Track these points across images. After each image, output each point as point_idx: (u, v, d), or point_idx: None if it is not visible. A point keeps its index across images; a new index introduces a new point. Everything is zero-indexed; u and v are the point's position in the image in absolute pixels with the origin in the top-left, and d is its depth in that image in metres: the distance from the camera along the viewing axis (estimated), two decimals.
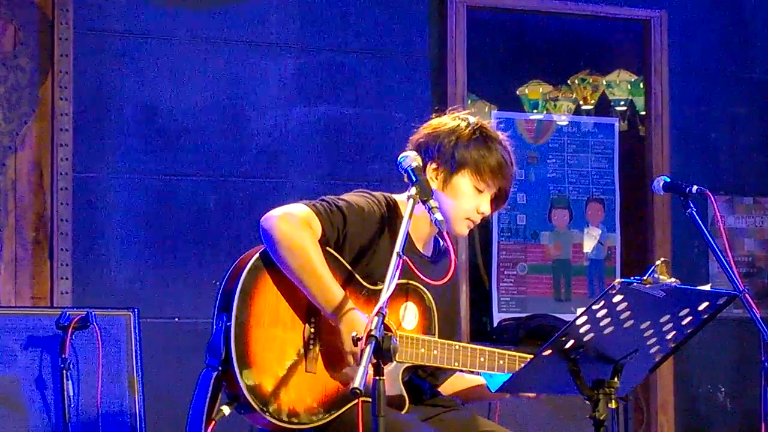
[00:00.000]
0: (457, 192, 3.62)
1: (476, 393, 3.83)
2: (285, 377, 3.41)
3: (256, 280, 3.45)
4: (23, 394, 4.59)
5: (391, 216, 3.62)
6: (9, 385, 4.58)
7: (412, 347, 3.54)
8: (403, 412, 3.53)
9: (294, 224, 3.44)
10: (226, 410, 3.43)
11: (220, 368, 3.40)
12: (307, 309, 3.48)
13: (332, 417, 3.46)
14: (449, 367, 3.62)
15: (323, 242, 3.49)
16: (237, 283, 3.43)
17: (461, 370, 3.74)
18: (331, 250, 3.52)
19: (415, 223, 3.58)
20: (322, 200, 3.55)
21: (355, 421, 3.15)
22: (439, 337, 3.63)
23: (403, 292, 3.51)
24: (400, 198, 3.66)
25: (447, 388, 3.82)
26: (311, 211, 3.49)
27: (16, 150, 5.45)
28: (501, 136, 3.72)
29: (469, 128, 3.67)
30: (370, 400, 3.02)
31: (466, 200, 3.63)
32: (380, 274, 3.54)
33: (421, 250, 3.70)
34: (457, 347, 3.58)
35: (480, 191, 3.64)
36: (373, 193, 3.67)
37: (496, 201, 3.69)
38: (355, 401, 3.37)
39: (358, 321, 3.41)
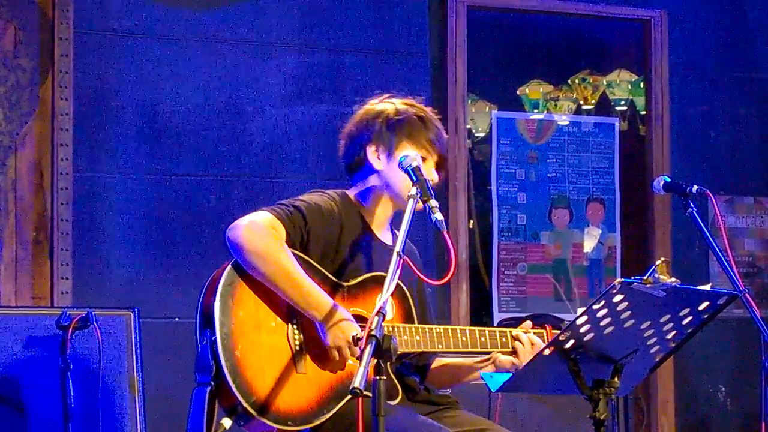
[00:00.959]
0: None
1: (460, 372, 3.85)
2: (278, 381, 3.43)
3: (232, 291, 3.47)
4: (23, 394, 4.59)
5: (347, 210, 3.68)
6: (9, 385, 4.58)
7: (401, 336, 3.58)
8: (395, 402, 3.55)
9: (260, 232, 3.48)
10: (227, 423, 3.44)
11: (212, 383, 3.41)
12: (286, 311, 3.51)
13: (330, 414, 3.47)
14: (433, 350, 3.67)
15: (289, 244, 3.53)
16: (214, 297, 3.45)
17: (446, 353, 3.78)
18: (298, 252, 3.55)
19: (373, 213, 3.71)
20: (279, 204, 3.60)
21: (351, 417, 3.16)
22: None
23: (378, 284, 3.48)
24: (351, 192, 3.75)
25: (434, 373, 3.85)
26: (273, 216, 3.53)
27: (17, 150, 5.45)
28: (428, 109, 3.81)
29: (396, 107, 3.77)
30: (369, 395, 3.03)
31: None
32: (350, 269, 3.62)
33: (384, 240, 3.75)
34: (438, 330, 3.64)
35: (423, 159, 3.68)
36: (326, 190, 3.73)
37: (438, 170, 3.75)
38: (350, 396, 3.40)
39: (341, 319, 3.45)
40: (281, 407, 3.42)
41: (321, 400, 3.48)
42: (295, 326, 3.50)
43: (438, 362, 3.85)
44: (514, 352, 3.71)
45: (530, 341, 3.70)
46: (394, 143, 3.69)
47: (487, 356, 3.77)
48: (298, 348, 3.48)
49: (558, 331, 3.69)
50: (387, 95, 3.86)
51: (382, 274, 3.53)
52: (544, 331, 3.75)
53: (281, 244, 3.49)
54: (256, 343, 3.44)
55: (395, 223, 3.79)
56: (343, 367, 3.51)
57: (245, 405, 3.38)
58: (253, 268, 3.47)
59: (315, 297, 3.47)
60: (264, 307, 3.49)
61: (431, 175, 3.69)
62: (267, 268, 3.46)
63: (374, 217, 3.73)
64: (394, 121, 3.72)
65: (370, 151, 3.72)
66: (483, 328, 3.72)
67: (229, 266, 3.50)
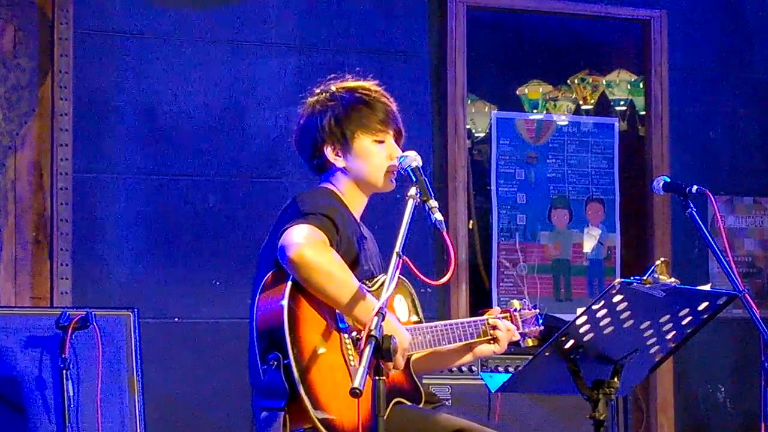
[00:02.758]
0: (364, 155, 3.67)
1: (436, 361, 3.85)
2: (342, 399, 3.37)
3: (297, 311, 3.42)
4: (23, 394, 4.59)
5: (341, 205, 3.67)
6: (9, 385, 4.58)
7: (417, 337, 3.60)
8: (420, 406, 3.56)
9: (321, 249, 3.42)
10: None
11: (286, 408, 3.35)
12: (336, 324, 3.48)
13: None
14: (439, 347, 3.70)
15: None
16: (282, 319, 3.38)
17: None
18: None
19: (354, 205, 3.70)
20: (308, 214, 3.52)
21: (397, 424, 3.15)
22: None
23: (396, 285, 3.39)
24: (332, 187, 3.72)
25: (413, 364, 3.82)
26: (319, 230, 3.47)
27: (16, 150, 5.45)
28: (365, 82, 3.78)
29: (334, 96, 3.72)
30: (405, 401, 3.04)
31: (375, 157, 3.68)
32: (359, 267, 3.60)
33: (363, 232, 3.75)
34: (441, 327, 3.69)
35: (381, 142, 3.69)
36: (317, 190, 3.71)
37: (398, 139, 3.73)
38: (392, 403, 3.42)
39: (400, 332, 3.44)
40: (347, 426, 3.38)
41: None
42: (346, 339, 3.48)
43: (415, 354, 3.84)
44: (494, 340, 3.76)
45: (506, 327, 3.78)
46: (348, 138, 3.67)
47: (461, 344, 3.79)
48: (352, 362, 3.46)
49: (518, 314, 3.85)
50: (326, 83, 3.80)
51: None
52: (507, 314, 3.85)
53: (340, 258, 3.45)
54: (320, 362, 3.40)
55: (395, 223, 3.80)
56: (388, 375, 3.46)
57: (321, 427, 3.34)
58: (316, 286, 3.41)
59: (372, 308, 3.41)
60: (322, 322, 3.45)
61: (394, 153, 3.67)
62: (332, 285, 3.40)
63: (355, 209, 3.72)
64: (340, 115, 3.68)
65: (329, 153, 3.69)
66: (469, 320, 3.79)
67: (289, 285, 3.42)
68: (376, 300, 3.43)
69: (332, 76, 3.83)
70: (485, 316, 3.80)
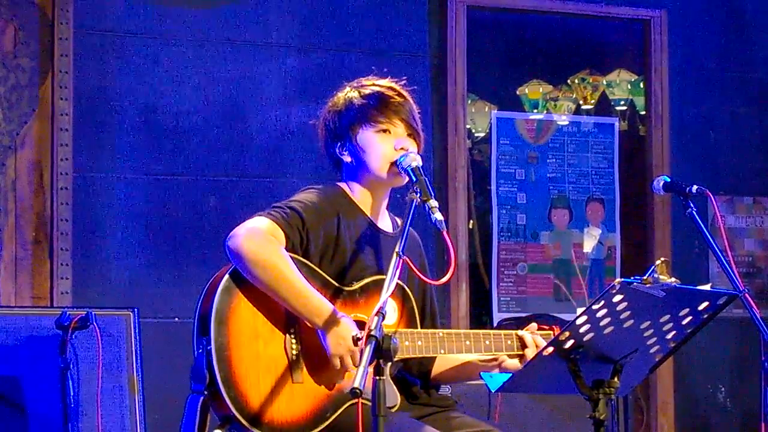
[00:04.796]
0: (367, 146, 3.63)
1: (463, 372, 3.80)
2: (273, 392, 3.40)
3: (229, 300, 3.44)
4: (23, 394, 4.59)
5: (342, 202, 3.65)
6: (9, 385, 4.58)
7: (403, 342, 3.52)
8: (394, 409, 3.51)
9: (260, 239, 3.44)
10: None
11: (206, 392, 3.38)
12: (284, 320, 3.47)
13: (326, 423, 3.45)
14: (435, 355, 3.63)
15: (289, 248, 3.49)
16: (211, 306, 3.41)
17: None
18: (299, 257, 3.52)
19: (366, 202, 3.67)
20: (275, 207, 3.56)
21: (350, 424, 3.15)
22: (422, 327, 3.65)
23: (380, 288, 3.32)
24: (343, 185, 3.71)
25: (435, 374, 3.80)
26: (271, 222, 3.49)
27: (16, 150, 5.45)
28: (377, 79, 3.75)
29: (343, 94, 3.73)
30: (368, 402, 3.02)
31: (379, 147, 3.63)
32: (354, 267, 3.58)
33: (384, 228, 3.72)
34: (440, 334, 3.59)
35: (385, 131, 3.64)
36: (320, 185, 3.70)
37: (413, 136, 3.67)
38: (347, 404, 3.41)
39: (344, 327, 3.42)
40: (276, 418, 3.39)
41: (317, 409, 3.45)
42: (292, 335, 3.47)
43: (440, 363, 3.80)
44: (521, 356, 3.64)
45: (534, 343, 3.64)
46: (349, 132, 3.66)
47: (492, 357, 3.71)
48: (295, 357, 3.45)
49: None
50: (348, 83, 3.79)
51: (385, 278, 3.51)
52: (551, 332, 3.68)
53: (281, 250, 3.45)
54: (251, 354, 3.41)
55: (397, 215, 3.79)
56: (343, 376, 3.47)
57: (239, 416, 3.35)
58: (253, 277, 3.43)
59: (316, 305, 3.43)
60: (261, 316, 3.45)
61: (401, 144, 3.62)
62: (267, 276, 3.41)
63: (369, 205, 3.69)
64: (342, 112, 3.69)
65: (337, 149, 3.71)
66: (488, 331, 3.66)
67: (227, 274, 3.46)
68: (321, 297, 3.44)
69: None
70: (522, 330, 3.67)
